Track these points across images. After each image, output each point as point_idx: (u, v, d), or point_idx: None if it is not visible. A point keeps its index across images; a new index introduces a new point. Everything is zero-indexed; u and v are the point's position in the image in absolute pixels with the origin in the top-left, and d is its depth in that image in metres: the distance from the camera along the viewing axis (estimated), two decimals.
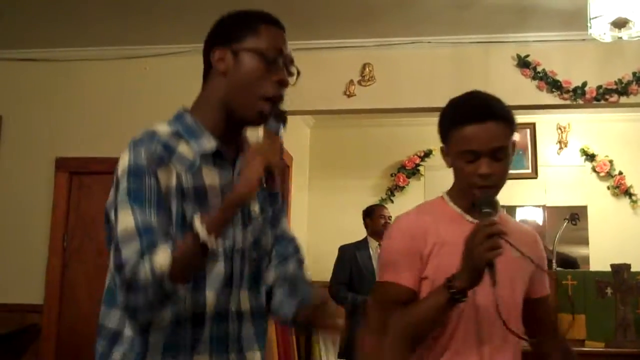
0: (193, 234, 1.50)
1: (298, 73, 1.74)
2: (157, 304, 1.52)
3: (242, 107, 1.67)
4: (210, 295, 1.63)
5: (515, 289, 2.01)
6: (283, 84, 1.68)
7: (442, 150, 2.03)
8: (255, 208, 1.76)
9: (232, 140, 1.73)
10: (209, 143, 1.67)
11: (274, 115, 1.66)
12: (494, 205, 1.89)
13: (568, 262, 6.06)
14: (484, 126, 1.90)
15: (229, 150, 1.71)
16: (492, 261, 1.73)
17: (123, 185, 1.58)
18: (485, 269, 1.75)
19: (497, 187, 1.95)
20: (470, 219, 1.99)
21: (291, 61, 1.73)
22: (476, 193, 1.92)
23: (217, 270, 1.65)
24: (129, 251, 1.51)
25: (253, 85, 1.66)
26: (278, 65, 1.68)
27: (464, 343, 1.93)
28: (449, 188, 2.08)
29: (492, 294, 1.74)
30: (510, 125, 1.94)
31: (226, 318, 1.67)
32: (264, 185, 1.52)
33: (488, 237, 1.73)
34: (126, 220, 1.54)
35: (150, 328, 1.59)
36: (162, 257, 1.49)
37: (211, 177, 1.66)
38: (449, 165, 2.01)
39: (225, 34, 1.71)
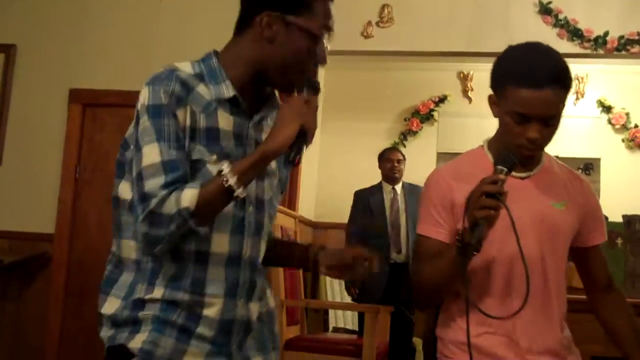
0: (221, 178, 1.52)
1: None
2: (176, 238, 1.55)
3: (278, 77, 1.70)
4: (225, 239, 1.66)
5: (557, 241, 1.94)
6: (322, 64, 1.70)
7: (490, 98, 1.93)
8: (273, 165, 1.77)
9: (252, 95, 1.73)
10: (227, 90, 1.68)
11: (306, 84, 1.66)
12: (512, 163, 1.76)
13: None
14: (540, 93, 1.77)
15: (246, 102, 1.71)
16: (478, 221, 1.67)
17: (145, 123, 1.60)
18: (475, 227, 1.68)
19: (542, 149, 1.91)
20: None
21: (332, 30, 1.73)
22: (523, 153, 1.85)
23: (231, 215, 1.67)
24: (154, 184, 1.54)
25: (296, 63, 1.68)
26: (322, 45, 1.69)
27: (495, 299, 1.90)
28: (490, 137, 2.02)
29: (510, 250, 1.74)
30: (567, 90, 1.83)
31: (238, 264, 1.68)
32: (295, 145, 1.55)
33: (483, 196, 1.67)
34: (151, 155, 1.57)
35: (164, 259, 1.62)
36: (190, 194, 1.52)
37: (226, 121, 1.67)
38: (496, 115, 1.92)
39: None
